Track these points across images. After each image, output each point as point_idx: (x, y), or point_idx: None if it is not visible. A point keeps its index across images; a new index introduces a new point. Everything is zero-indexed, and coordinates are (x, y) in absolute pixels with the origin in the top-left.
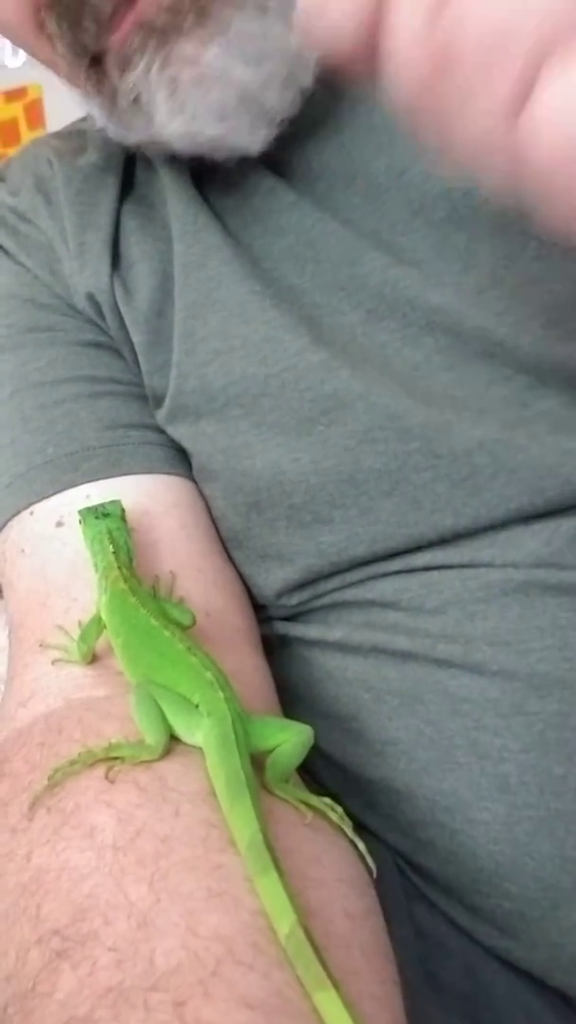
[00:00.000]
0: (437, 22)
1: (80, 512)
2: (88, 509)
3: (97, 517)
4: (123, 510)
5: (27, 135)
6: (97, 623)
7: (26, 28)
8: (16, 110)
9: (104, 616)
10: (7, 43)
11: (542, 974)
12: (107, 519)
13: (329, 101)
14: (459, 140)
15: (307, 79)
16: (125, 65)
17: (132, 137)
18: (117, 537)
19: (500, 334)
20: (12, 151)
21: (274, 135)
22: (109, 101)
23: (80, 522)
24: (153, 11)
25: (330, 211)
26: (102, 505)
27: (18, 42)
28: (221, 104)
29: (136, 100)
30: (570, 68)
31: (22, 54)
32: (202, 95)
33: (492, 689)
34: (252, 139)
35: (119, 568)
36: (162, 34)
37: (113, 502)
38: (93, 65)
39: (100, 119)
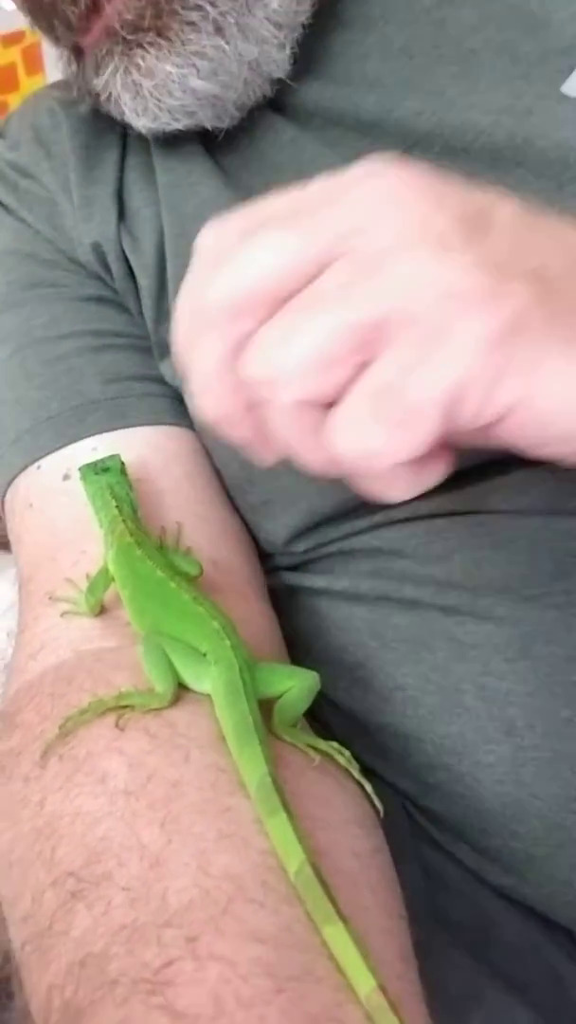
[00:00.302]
0: (234, 390)
1: (80, 469)
2: (87, 465)
3: (97, 473)
4: (123, 464)
5: (25, 81)
6: (105, 575)
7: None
8: (14, 55)
9: (112, 568)
10: None
11: (548, 911)
12: (107, 474)
13: (320, 40)
14: (276, 447)
15: (279, 70)
16: (96, 67)
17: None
18: (118, 491)
19: None
20: (11, 97)
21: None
22: (86, 84)
23: (81, 479)
24: (117, 22)
25: (328, 146)
26: (101, 461)
27: None
28: (182, 106)
29: (108, 97)
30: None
31: None
32: (163, 99)
33: (499, 635)
34: (220, 123)
35: (124, 521)
36: (125, 43)
37: (112, 456)
38: (73, 51)
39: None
